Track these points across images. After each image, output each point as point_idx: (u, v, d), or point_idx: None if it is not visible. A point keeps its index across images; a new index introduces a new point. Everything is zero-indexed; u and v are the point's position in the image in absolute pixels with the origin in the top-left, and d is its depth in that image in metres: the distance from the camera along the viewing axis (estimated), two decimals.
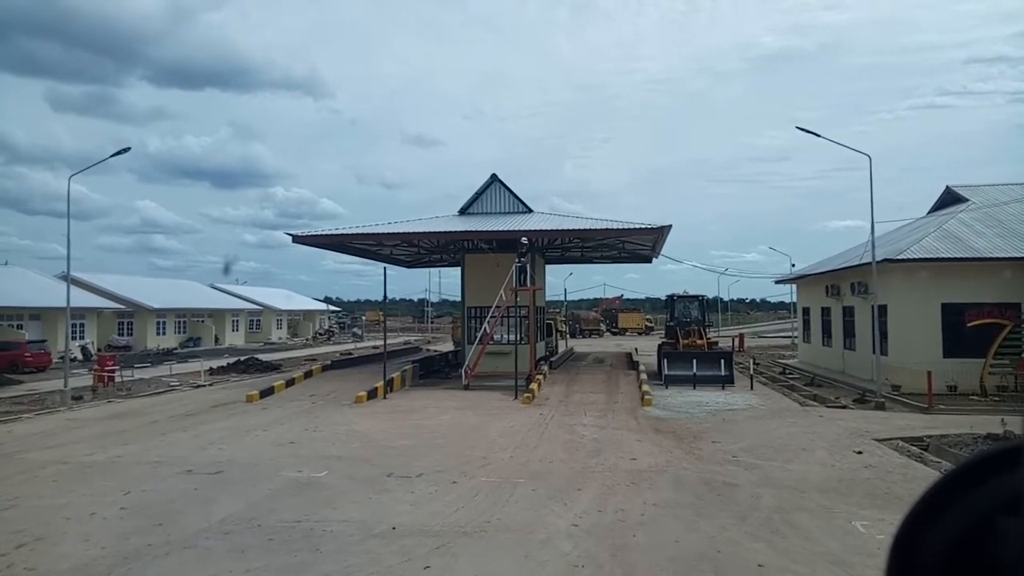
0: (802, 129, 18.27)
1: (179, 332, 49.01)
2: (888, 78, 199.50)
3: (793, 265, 46.27)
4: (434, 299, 79.42)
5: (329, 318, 78.31)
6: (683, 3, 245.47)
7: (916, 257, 20.56)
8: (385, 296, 21.24)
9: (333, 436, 14.14)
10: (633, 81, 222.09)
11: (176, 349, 45.51)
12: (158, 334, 45.97)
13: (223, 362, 32.06)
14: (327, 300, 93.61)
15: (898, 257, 20.56)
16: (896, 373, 19.95)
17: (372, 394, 19.92)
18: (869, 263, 21.82)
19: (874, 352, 19.35)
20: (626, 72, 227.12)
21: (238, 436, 14.21)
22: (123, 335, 45.07)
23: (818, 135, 18.36)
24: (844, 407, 18.75)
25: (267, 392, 20.79)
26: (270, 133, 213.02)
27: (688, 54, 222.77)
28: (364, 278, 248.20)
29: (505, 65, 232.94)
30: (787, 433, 14.31)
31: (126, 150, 20.85)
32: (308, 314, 71.76)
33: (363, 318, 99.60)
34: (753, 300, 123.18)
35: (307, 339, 63.68)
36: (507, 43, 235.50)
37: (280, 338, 61.92)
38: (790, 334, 54.63)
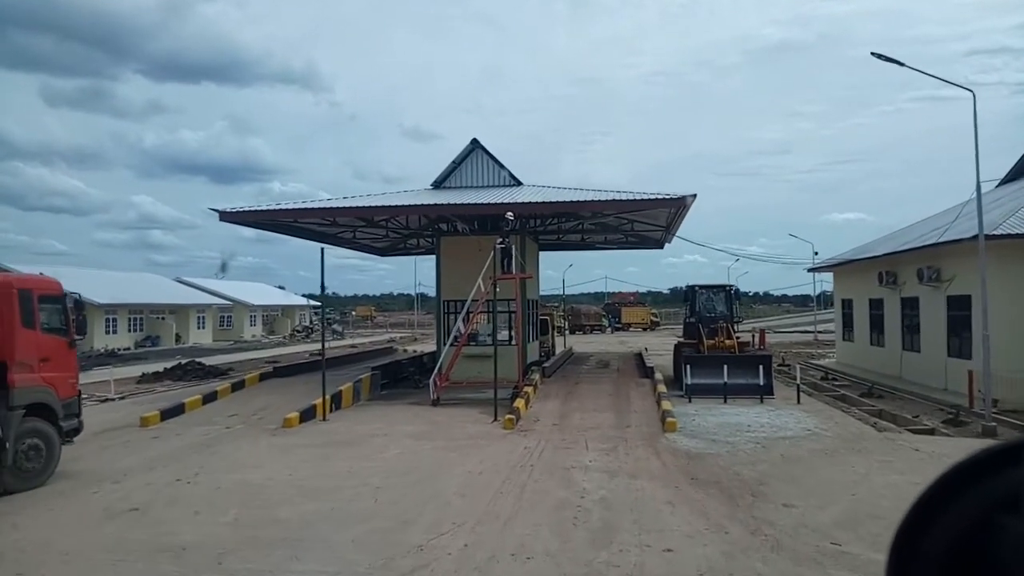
0: (878, 55, 13.45)
1: (134, 330, 44.04)
2: (889, 70, 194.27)
3: (816, 253, 41.38)
4: (431, 292, 74.46)
5: (311, 313, 73.30)
6: None
7: (1019, 232, 15.82)
8: (323, 286, 16.43)
9: (207, 496, 9.38)
10: (633, 75, 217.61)
11: (128, 349, 40.76)
12: (108, 332, 41.01)
13: (161, 366, 27.34)
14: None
15: (995, 232, 15.78)
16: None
17: (309, 414, 15.24)
18: (948, 241, 17.16)
19: (980, 356, 14.61)
20: (626, 66, 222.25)
21: (64, 497, 9.45)
22: None
23: (902, 64, 13.57)
24: (933, 432, 14.09)
25: (173, 412, 16.04)
26: (268, 128, 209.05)
27: (688, 47, 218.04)
28: (363, 273, 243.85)
29: (505, 60, 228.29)
30: (890, 484, 9.55)
31: None
32: (287, 309, 66.94)
33: (353, 313, 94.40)
34: (756, 293, 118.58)
35: (284, 336, 58.94)
36: (507, 38, 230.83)
37: (254, 335, 57.15)
38: (810, 329, 49.90)
